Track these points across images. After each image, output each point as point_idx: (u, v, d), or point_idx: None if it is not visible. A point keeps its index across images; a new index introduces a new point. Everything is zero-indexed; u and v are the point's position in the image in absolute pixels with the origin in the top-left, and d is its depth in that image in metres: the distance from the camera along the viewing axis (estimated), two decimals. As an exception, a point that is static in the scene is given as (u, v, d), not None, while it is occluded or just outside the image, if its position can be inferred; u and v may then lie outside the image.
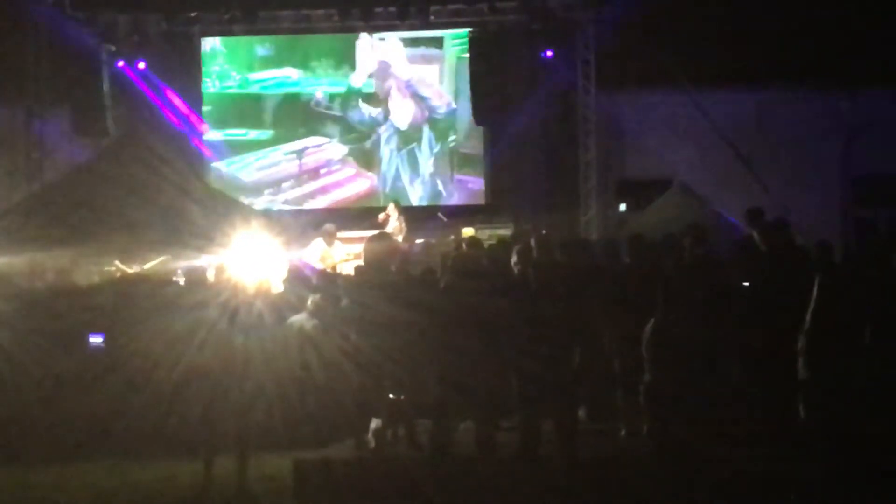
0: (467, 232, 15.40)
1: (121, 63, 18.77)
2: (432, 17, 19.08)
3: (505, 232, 16.84)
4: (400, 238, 15.33)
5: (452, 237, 15.63)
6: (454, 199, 19.64)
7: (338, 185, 19.71)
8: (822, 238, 10.34)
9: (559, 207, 18.40)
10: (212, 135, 19.55)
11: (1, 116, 19.30)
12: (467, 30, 19.17)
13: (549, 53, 18.88)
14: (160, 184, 12.80)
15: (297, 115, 19.78)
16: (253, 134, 19.70)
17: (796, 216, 10.80)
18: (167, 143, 17.38)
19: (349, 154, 19.71)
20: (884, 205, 18.66)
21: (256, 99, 19.77)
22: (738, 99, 18.96)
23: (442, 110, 19.75)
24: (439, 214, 17.69)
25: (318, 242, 14.63)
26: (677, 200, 15.40)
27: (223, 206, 13.45)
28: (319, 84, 19.72)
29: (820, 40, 18.09)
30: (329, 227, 14.98)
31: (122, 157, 13.44)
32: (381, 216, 16.41)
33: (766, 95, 19.01)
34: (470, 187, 19.79)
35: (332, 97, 19.69)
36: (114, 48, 18.77)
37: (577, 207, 18.80)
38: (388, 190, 19.59)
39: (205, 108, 19.58)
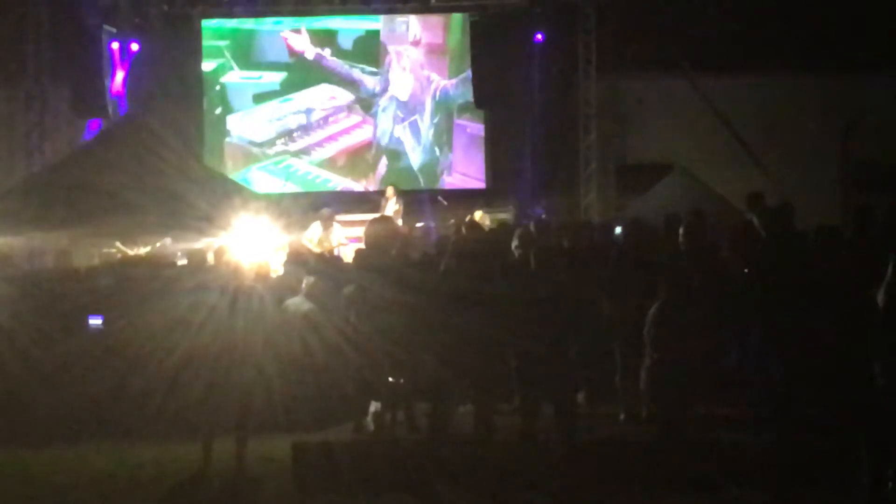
0: (478, 215, 15.40)
1: (116, 45, 18.75)
2: (433, 0, 19.06)
3: (505, 216, 16.84)
4: (399, 221, 15.35)
5: (452, 221, 15.63)
6: (451, 159, 19.88)
7: (345, 132, 20.03)
8: (823, 223, 10.30)
9: (559, 191, 18.40)
10: (229, 77, 19.87)
11: (0, 97, 19.24)
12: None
13: (540, 37, 18.87)
14: (160, 165, 12.77)
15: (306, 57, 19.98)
16: (266, 77, 19.97)
17: (795, 201, 10.75)
18: (167, 123, 17.38)
19: (355, 102, 19.98)
20: (883, 191, 18.63)
21: (270, 35, 19.97)
22: (738, 83, 18.94)
23: (449, 91, 19.79)
24: (439, 198, 17.69)
25: (316, 226, 14.63)
26: (677, 185, 15.39)
27: (223, 188, 13.43)
28: (332, 17, 19.92)
29: (821, 25, 18.07)
30: (326, 211, 14.98)
31: (122, 139, 13.41)
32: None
33: (766, 80, 18.97)
34: (469, 132, 19.88)
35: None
36: (114, 29, 18.74)
37: (577, 191, 18.80)
38: (383, 144, 19.91)
39: (222, 43, 19.88)
